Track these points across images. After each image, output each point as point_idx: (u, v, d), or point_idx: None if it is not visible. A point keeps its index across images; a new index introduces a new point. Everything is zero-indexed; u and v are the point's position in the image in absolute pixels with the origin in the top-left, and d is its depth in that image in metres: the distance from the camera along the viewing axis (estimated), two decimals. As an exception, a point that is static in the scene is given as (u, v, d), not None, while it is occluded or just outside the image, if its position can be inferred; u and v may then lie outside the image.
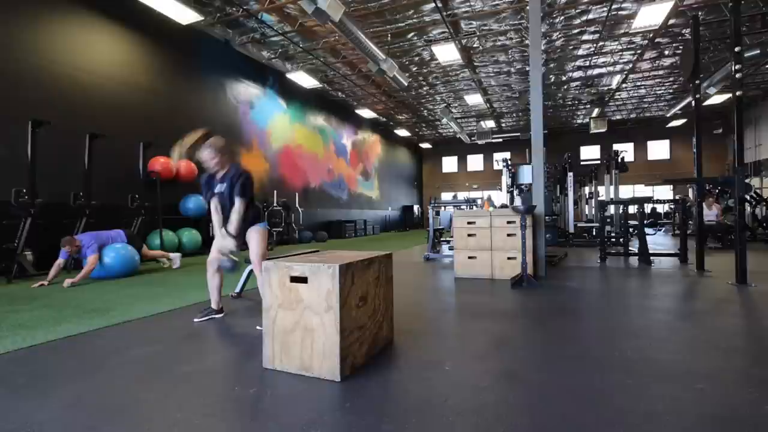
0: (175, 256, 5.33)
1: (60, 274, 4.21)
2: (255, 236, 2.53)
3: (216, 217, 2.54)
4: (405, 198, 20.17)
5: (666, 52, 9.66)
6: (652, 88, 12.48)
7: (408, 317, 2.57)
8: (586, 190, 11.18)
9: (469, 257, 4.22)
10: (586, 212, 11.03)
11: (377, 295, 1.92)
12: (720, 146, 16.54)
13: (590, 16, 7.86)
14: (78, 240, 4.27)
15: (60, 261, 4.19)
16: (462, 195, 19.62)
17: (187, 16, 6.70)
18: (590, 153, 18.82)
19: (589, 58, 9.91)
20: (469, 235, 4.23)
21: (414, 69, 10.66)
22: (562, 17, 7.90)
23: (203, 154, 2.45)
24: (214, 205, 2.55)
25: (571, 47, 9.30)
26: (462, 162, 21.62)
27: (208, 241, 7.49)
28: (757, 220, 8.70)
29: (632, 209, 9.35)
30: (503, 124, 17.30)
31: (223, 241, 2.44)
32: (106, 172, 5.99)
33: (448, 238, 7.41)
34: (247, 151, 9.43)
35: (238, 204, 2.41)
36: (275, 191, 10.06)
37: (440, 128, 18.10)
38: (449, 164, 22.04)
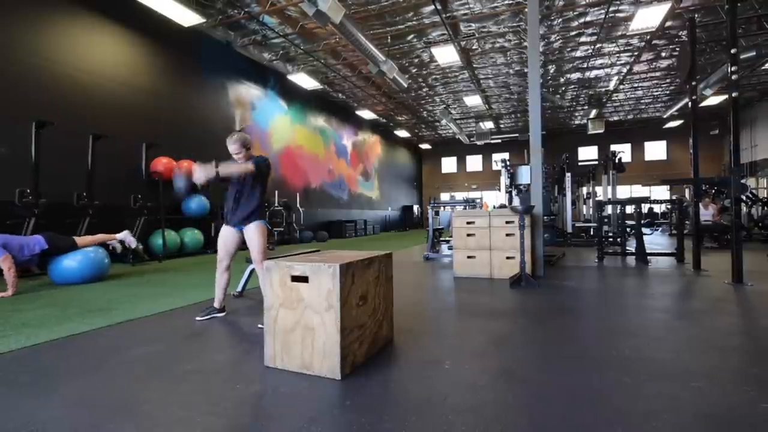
0: (124, 234, 4.61)
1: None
2: (255, 233, 2.54)
3: (230, 197, 2.59)
4: (405, 198, 20.20)
5: (663, 54, 9.72)
6: (649, 89, 12.55)
7: (408, 316, 2.59)
8: (584, 190, 11.23)
9: (468, 257, 4.24)
10: (584, 212, 11.08)
11: (377, 294, 1.94)
12: (716, 147, 16.63)
13: (588, 18, 7.91)
14: None
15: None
16: (460, 195, 19.67)
17: (188, 18, 6.71)
18: (588, 153, 18.90)
19: (587, 60, 9.97)
20: (469, 235, 4.25)
21: (414, 70, 10.69)
22: (560, 19, 7.94)
23: (231, 146, 2.55)
24: (231, 193, 2.59)
25: (569, 49, 9.35)
26: (461, 162, 21.67)
27: (210, 241, 7.52)
28: (753, 220, 8.75)
29: (629, 209, 9.39)
30: (502, 125, 17.36)
31: (203, 169, 2.33)
32: (108, 173, 6.02)
33: (447, 238, 7.43)
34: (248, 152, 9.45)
35: (248, 164, 2.48)
36: (276, 191, 10.07)
37: (440, 129, 18.14)
38: (448, 165, 22.09)
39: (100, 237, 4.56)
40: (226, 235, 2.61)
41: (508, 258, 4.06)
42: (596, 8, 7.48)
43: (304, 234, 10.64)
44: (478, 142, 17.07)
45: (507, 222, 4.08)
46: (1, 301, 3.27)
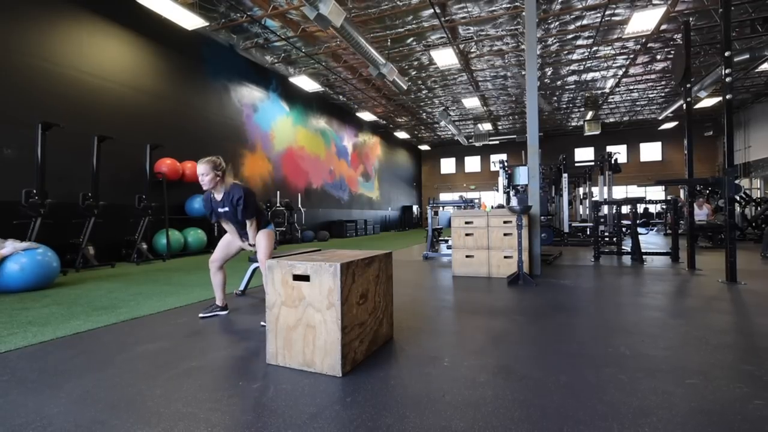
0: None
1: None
2: (263, 238, 2.67)
3: (231, 229, 2.70)
4: (404, 198, 20.24)
5: (658, 57, 9.81)
6: (645, 91, 12.65)
7: (407, 314, 2.61)
8: (581, 190, 11.30)
9: (467, 256, 4.27)
10: (581, 212, 11.15)
11: (377, 292, 1.96)
12: (711, 148, 16.77)
13: (584, 22, 7.98)
14: None
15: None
16: (459, 195, 19.72)
17: (192, 22, 6.78)
18: (584, 154, 19.00)
19: (584, 63, 10.05)
20: (467, 235, 4.29)
21: (413, 73, 10.74)
22: (557, 23, 8.01)
23: (199, 168, 2.46)
24: (224, 223, 2.70)
25: (565, 52, 9.42)
26: (460, 163, 21.76)
27: (212, 240, 7.53)
28: (747, 220, 8.84)
29: (625, 209, 9.48)
30: (500, 127, 17.44)
31: (247, 246, 2.71)
32: (113, 173, 6.10)
33: (446, 238, 7.47)
34: (251, 153, 9.50)
35: (248, 223, 2.61)
36: (278, 192, 10.13)
37: (439, 131, 18.19)
38: (447, 165, 22.17)
39: None
40: (231, 241, 2.72)
41: (505, 257, 4.09)
42: (593, 11, 7.56)
43: (306, 234, 10.71)
44: (477, 144, 17.14)
45: (505, 222, 4.12)
46: (8, 300, 3.29)
